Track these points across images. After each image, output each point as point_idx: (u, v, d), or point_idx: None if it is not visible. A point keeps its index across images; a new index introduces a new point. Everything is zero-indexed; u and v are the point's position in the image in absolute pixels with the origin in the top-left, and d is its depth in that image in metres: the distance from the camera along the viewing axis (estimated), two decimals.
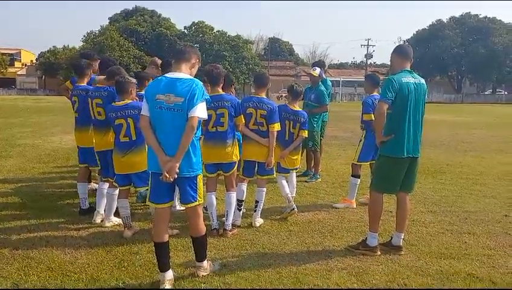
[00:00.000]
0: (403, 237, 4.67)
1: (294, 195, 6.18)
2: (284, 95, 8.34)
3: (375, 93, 6.22)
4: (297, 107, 5.83)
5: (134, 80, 4.99)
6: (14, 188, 6.97)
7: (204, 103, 3.62)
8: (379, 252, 4.54)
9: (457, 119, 23.96)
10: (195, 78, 3.67)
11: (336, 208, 6.19)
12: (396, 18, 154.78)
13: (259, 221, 5.42)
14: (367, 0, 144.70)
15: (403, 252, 4.58)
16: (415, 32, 67.31)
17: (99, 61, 6.09)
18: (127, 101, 4.83)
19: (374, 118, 5.47)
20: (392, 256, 4.49)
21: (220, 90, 4.99)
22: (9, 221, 5.34)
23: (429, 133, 16.14)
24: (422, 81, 4.61)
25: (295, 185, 6.37)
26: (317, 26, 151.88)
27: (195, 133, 3.60)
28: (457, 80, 67.94)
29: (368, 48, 66.71)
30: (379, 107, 4.44)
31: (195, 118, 3.51)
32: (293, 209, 5.62)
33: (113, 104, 4.88)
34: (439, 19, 65.05)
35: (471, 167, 9.58)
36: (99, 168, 5.49)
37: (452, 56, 61.18)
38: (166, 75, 3.71)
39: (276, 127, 5.18)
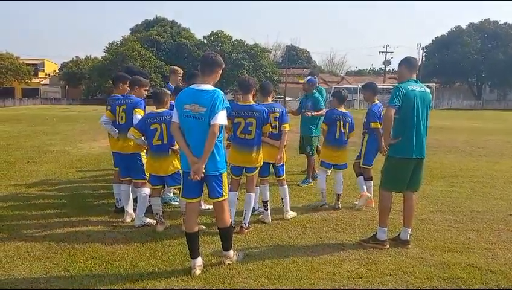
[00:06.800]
0: (410, 232, 5.11)
1: (341, 192, 6.68)
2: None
3: (376, 102, 6.73)
4: (344, 109, 6.70)
5: (169, 92, 5.61)
6: (52, 190, 7.60)
7: (225, 111, 4.13)
8: (388, 246, 4.97)
9: (474, 126, 24.07)
10: (216, 89, 4.18)
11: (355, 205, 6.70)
12: (414, 24, 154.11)
13: (290, 214, 6.03)
14: (386, 1, 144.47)
15: (410, 246, 5.00)
16: (434, 39, 67.26)
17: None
18: (163, 109, 5.43)
19: (379, 126, 6.23)
20: (399, 249, 4.92)
21: (251, 99, 5.46)
22: (52, 218, 5.93)
23: (445, 139, 16.42)
24: (427, 90, 5.11)
25: (341, 184, 6.68)
26: (334, 33, 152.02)
27: (218, 137, 4.11)
28: (477, 87, 67.50)
29: (386, 54, 66.98)
30: (387, 111, 4.91)
31: (216, 125, 4.02)
32: (324, 205, 6.47)
33: (150, 111, 5.47)
34: (458, 25, 65.10)
35: (483, 171, 9.89)
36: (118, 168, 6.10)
37: (471, 62, 60.98)
38: (192, 86, 4.25)
39: (287, 127, 5.79)
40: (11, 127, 20.14)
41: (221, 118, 4.06)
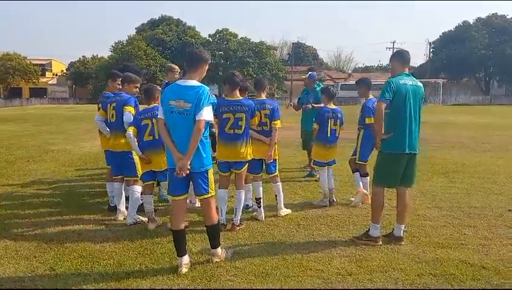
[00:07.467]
0: (403, 228, 5.02)
1: (333, 186, 6.72)
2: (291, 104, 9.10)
3: (371, 97, 6.63)
4: (333, 105, 6.71)
5: (159, 88, 5.64)
6: (48, 189, 7.59)
7: (210, 107, 4.08)
8: (380, 242, 4.89)
9: (481, 121, 23.80)
10: (202, 85, 4.12)
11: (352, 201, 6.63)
12: (421, 20, 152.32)
13: (284, 211, 5.96)
14: (392, 1, 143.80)
15: (403, 243, 4.92)
16: (441, 34, 66.58)
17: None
18: (153, 104, 5.46)
19: (373, 121, 6.06)
20: (392, 246, 4.84)
21: (238, 95, 5.36)
22: (44, 217, 5.91)
23: (450, 134, 16.26)
24: (420, 84, 5.01)
25: (332, 178, 6.73)
26: (335, 33, 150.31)
27: (203, 133, 4.04)
28: (485, 82, 66.77)
29: (393, 50, 66.43)
30: (378, 106, 4.83)
31: (202, 121, 3.96)
32: (325, 205, 6.42)
33: (142, 108, 5.48)
34: (465, 20, 64.22)
35: (486, 166, 9.74)
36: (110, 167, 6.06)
37: (479, 57, 60.21)
38: (178, 82, 4.21)
39: (279, 123, 5.69)
40: (16, 127, 20.26)
41: (206, 113, 4.00)
